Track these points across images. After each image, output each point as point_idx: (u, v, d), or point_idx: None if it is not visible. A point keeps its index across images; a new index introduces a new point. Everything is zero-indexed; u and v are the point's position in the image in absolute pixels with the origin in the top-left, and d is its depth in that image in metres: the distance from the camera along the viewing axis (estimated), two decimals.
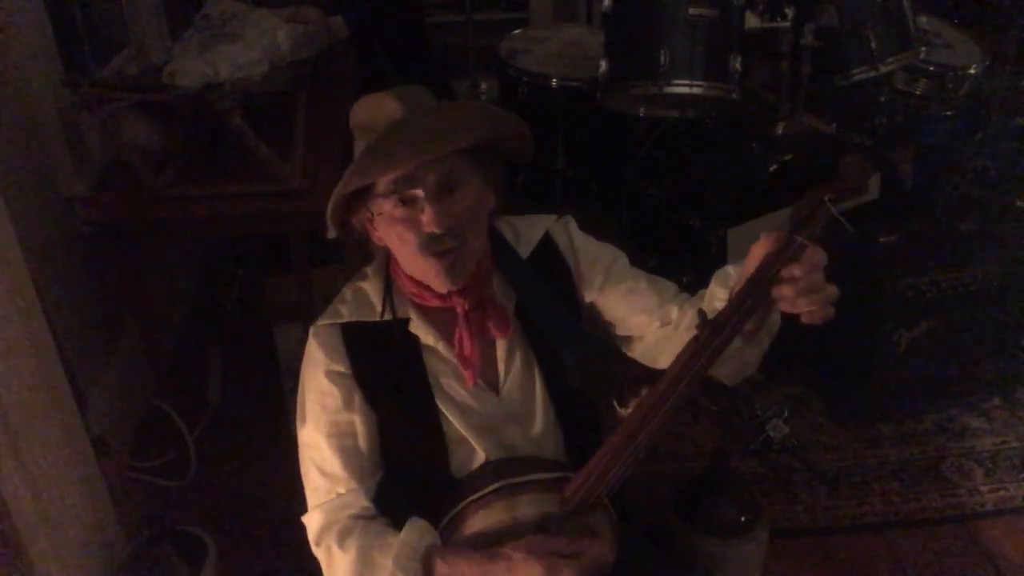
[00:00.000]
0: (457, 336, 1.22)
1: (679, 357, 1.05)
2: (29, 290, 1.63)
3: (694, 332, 1.06)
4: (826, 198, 0.99)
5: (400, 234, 1.15)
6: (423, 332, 1.24)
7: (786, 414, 2.31)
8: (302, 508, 1.26)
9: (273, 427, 2.30)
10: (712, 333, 1.02)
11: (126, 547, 1.87)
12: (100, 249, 2.19)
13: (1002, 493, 2.18)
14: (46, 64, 2.05)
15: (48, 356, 1.69)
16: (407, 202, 1.13)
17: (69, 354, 1.83)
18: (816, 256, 0.98)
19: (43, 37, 2.05)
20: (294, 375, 1.29)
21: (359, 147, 1.18)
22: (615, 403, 1.20)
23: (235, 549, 2.01)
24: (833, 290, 0.99)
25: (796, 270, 0.97)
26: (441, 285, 1.18)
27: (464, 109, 1.21)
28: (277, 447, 2.23)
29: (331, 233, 1.20)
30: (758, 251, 1.00)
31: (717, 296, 1.14)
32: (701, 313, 1.03)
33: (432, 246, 1.13)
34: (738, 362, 1.15)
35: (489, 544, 1.12)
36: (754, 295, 1.00)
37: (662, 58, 2.16)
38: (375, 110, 1.16)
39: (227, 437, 2.38)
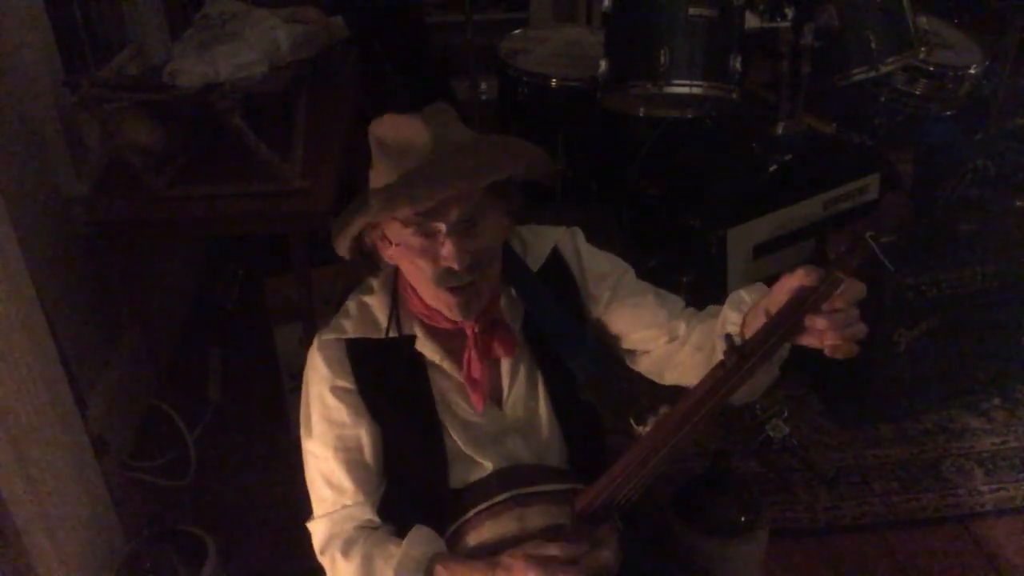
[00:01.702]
0: (466, 359, 1.21)
1: (703, 381, 1.04)
2: (29, 290, 1.63)
3: (701, 349, 1.04)
4: (867, 235, 0.98)
5: (416, 263, 1.14)
6: (429, 350, 1.24)
7: (786, 414, 2.31)
8: (302, 508, 1.27)
9: (273, 427, 2.30)
10: (740, 360, 1.00)
11: (126, 547, 1.87)
12: (100, 249, 2.19)
13: (1002, 493, 2.18)
14: (46, 64, 2.05)
15: (48, 356, 1.69)
16: (427, 233, 1.11)
17: (69, 354, 1.83)
18: (855, 289, 0.97)
19: (43, 37, 2.05)
20: (294, 375, 1.30)
21: (378, 165, 1.15)
22: (631, 421, 1.19)
23: (235, 549, 2.00)
24: (863, 328, 0.97)
25: (837, 302, 0.96)
26: (454, 317, 1.17)
27: (493, 147, 1.19)
28: (277, 447, 2.24)
29: (344, 255, 1.19)
30: (791, 283, 0.99)
31: (731, 320, 1.13)
32: (728, 338, 1.01)
33: (448, 280, 1.12)
34: (749, 387, 1.13)
35: (497, 553, 1.12)
36: (786, 326, 0.98)
37: (662, 58, 2.16)
38: (399, 129, 1.13)
39: (227, 437, 2.38)
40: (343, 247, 1.18)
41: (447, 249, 1.10)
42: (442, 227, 1.10)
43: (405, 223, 1.11)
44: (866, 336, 0.98)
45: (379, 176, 1.14)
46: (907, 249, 2.26)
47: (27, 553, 1.59)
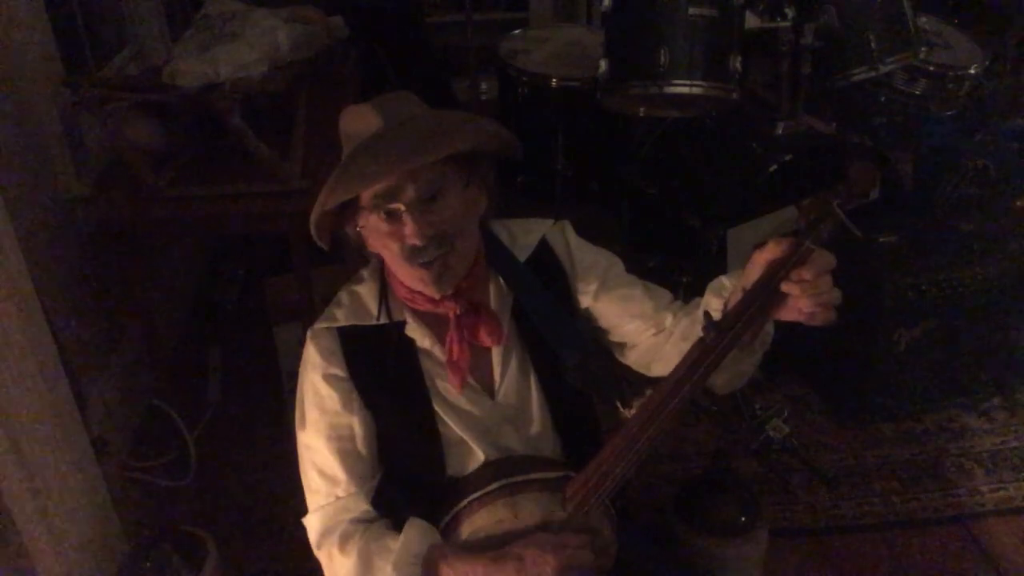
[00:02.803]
0: (448, 340, 1.22)
1: (684, 359, 1.05)
2: (29, 290, 1.63)
3: (687, 340, 1.06)
4: (834, 203, 0.98)
5: (386, 245, 1.16)
6: (419, 335, 1.25)
7: (786, 414, 2.31)
8: (302, 508, 1.26)
9: (273, 427, 2.31)
10: (718, 336, 1.01)
11: (126, 547, 1.87)
12: (100, 249, 2.19)
13: (1002, 493, 2.18)
14: (46, 64, 2.05)
15: (48, 356, 1.69)
16: (391, 215, 1.13)
17: (69, 354, 1.83)
18: (824, 259, 0.98)
19: (43, 37, 2.05)
20: (294, 375, 1.30)
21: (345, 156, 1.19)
22: (618, 404, 1.20)
23: (235, 549, 2.01)
24: (837, 294, 0.99)
25: (805, 273, 0.97)
26: (430, 293, 1.18)
27: (443, 119, 1.19)
28: (277, 447, 2.24)
29: (322, 244, 1.21)
30: (763, 258, 1.00)
31: (712, 306, 1.14)
32: (707, 316, 1.03)
33: (416, 257, 1.14)
34: (732, 372, 1.15)
35: (491, 543, 1.12)
36: (761, 298, 1.00)
37: (662, 58, 2.16)
38: (356, 121, 1.17)
39: (227, 437, 2.38)
40: (318, 237, 1.20)
41: (408, 227, 1.12)
42: (400, 207, 1.12)
43: (370, 209, 1.13)
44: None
45: None
46: (908, 249, 2.27)
47: (27, 553, 1.59)
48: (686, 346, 1.08)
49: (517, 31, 3.16)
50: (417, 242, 1.12)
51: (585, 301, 1.31)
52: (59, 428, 1.69)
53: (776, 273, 0.99)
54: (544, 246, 1.31)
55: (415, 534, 1.16)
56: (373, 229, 1.15)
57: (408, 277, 1.19)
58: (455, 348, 1.21)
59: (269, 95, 2.11)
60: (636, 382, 1.23)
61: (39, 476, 1.60)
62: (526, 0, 4.39)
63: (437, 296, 1.19)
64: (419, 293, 1.21)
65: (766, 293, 1.00)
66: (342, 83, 2.66)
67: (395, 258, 1.16)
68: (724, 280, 1.17)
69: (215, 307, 2.89)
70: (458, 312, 1.21)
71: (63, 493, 1.68)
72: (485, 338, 1.23)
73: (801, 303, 0.99)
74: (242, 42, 2.04)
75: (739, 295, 1.03)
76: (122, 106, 1.97)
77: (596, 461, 1.13)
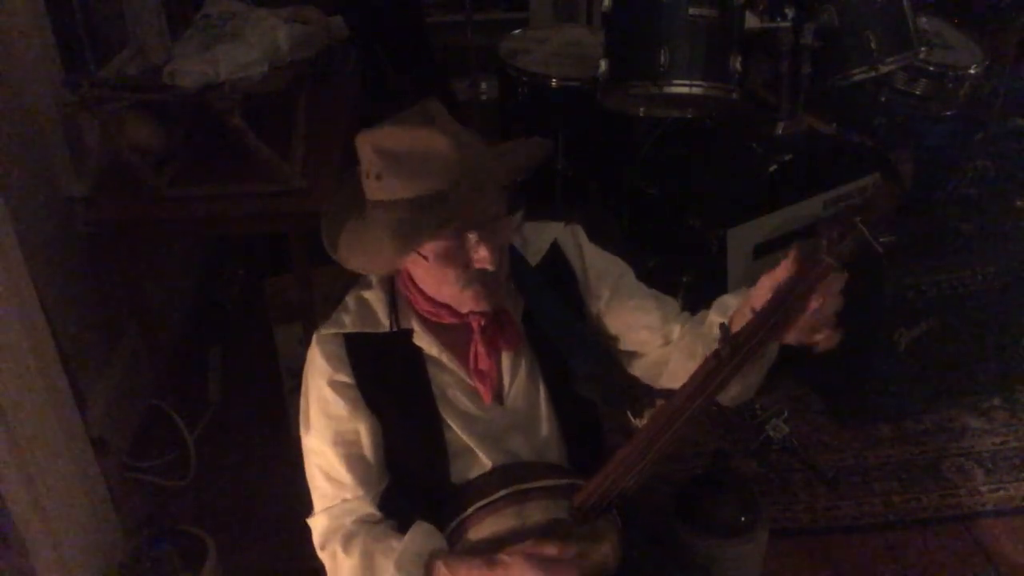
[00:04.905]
0: (473, 352, 1.22)
1: (697, 372, 1.04)
2: (29, 290, 1.63)
3: (694, 358, 1.05)
4: (857, 220, 0.98)
5: (441, 270, 1.14)
6: (427, 344, 1.24)
7: (786, 414, 2.31)
8: (302, 508, 1.27)
9: (273, 427, 2.31)
10: (734, 350, 1.00)
11: (126, 547, 1.87)
12: (100, 249, 2.19)
13: (1002, 493, 2.18)
14: (46, 64, 2.05)
15: (48, 356, 1.69)
16: (455, 239, 1.12)
17: (69, 354, 1.83)
18: (839, 279, 0.96)
19: (43, 37, 2.05)
20: (294, 375, 1.30)
21: (390, 178, 1.11)
22: (628, 414, 1.19)
23: (235, 549, 2.01)
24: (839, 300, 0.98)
25: (822, 298, 0.96)
26: (477, 307, 1.18)
27: (507, 150, 1.22)
28: (277, 447, 2.24)
29: (381, 272, 1.21)
30: (776, 277, 0.98)
31: (716, 325, 1.13)
32: (723, 328, 1.01)
33: (482, 279, 1.14)
34: (741, 386, 1.14)
35: (496, 550, 1.12)
36: (779, 314, 0.98)
37: (662, 58, 2.16)
38: (413, 140, 1.10)
39: (227, 437, 2.38)
40: (377, 267, 1.19)
41: (482, 253, 1.11)
42: (474, 235, 1.11)
43: (436, 237, 1.11)
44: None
45: (395, 188, 1.11)
46: (908, 249, 2.27)
47: (27, 553, 1.59)
48: (691, 363, 1.07)
49: (517, 31, 3.17)
50: (490, 267, 1.11)
51: (595, 308, 1.31)
52: (59, 428, 1.69)
53: (796, 286, 0.97)
54: (555, 249, 1.31)
55: (420, 535, 1.16)
56: (432, 255, 1.13)
57: (458, 297, 1.17)
58: (482, 359, 1.21)
59: (269, 95, 2.11)
60: (647, 393, 1.23)
61: (39, 476, 1.60)
62: (526, 0, 4.40)
63: (481, 310, 1.18)
64: (444, 307, 1.21)
65: (785, 308, 0.98)
66: (342, 83, 2.66)
67: (447, 282, 1.15)
68: (728, 299, 1.16)
69: (215, 307, 2.89)
70: (482, 323, 1.21)
71: (63, 493, 1.68)
72: (504, 345, 1.23)
73: (817, 333, 0.97)
74: (242, 42, 2.04)
75: (747, 314, 1.01)
76: (122, 106, 1.97)
77: (605, 470, 1.12)
